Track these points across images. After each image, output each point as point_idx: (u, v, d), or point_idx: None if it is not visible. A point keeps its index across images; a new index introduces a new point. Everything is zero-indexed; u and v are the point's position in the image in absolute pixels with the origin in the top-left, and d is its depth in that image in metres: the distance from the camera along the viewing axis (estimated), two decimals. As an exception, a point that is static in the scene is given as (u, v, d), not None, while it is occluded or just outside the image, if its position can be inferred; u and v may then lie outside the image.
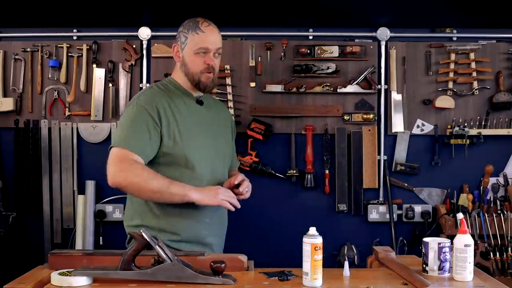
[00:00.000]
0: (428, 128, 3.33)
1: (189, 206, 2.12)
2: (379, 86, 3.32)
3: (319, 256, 1.65)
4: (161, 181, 2.05)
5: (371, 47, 3.32)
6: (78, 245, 3.24)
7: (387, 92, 3.33)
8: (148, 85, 3.26)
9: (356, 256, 3.25)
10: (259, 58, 3.30)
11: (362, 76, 3.28)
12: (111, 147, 2.11)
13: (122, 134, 2.13)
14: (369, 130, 3.32)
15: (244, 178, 2.28)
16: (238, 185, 2.24)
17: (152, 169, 2.09)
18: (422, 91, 3.33)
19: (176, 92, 2.24)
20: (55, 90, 3.32)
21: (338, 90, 3.28)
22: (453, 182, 3.33)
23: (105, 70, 3.31)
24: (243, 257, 1.83)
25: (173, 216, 2.16)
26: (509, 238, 3.10)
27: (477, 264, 2.94)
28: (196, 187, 2.10)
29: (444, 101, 3.29)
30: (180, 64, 2.26)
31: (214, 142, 2.28)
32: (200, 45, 2.18)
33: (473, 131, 3.25)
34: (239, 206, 2.14)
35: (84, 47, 3.30)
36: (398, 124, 3.32)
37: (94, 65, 3.30)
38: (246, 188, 2.26)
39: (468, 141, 3.23)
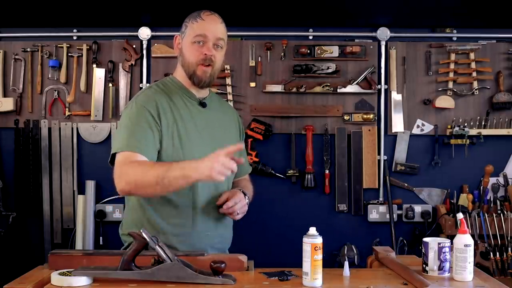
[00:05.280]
0: (428, 128, 3.33)
1: (189, 218, 2.00)
2: (379, 86, 3.32)
3: (319, 256, 1.65)
4: (158, 170, 1.85)
5: (371, 47, 3.32)
6: (78, 245, 3.24)
7: (387, 92, 3.33)
8: (148, 85, 3.26)
9: (356, 256, 3.25)
10: (259, 58, 3.31)
11: (362, 76, 3.28)
12: (113, 153, 1.94)
13: (122, 136, 1.95)
14: (369, 130, 3.32)
15: (242, 200, 2.04)
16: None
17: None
18: (422, 91, 3.33)
19: (177, 92, 2.07)
20: (55, 90, 3.32)
21: (338, 90, 3.28)
22: (453, 182, 3.33)
23: (105, 70, 3.31)
24: (243, 257, 1.83)
25: (172, 228, 2.00)
26: (509, 238, 3.10)
27: (477, 264, 2.93)
28: (194, 161, 1.87)
29: (444, 101, 3.29)
30: (178, 56, 2.10)
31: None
32: (197, 32, 2.01)
33: (473, 131, 3.25)
34: (235, 170, 1.84)
35: (84, 47, 3.30)
36: (398, 124, 3.32)
37: (94, 65, 3.30)
38: (238, 211, 2.01)
39: (468, 141, 3.23)
